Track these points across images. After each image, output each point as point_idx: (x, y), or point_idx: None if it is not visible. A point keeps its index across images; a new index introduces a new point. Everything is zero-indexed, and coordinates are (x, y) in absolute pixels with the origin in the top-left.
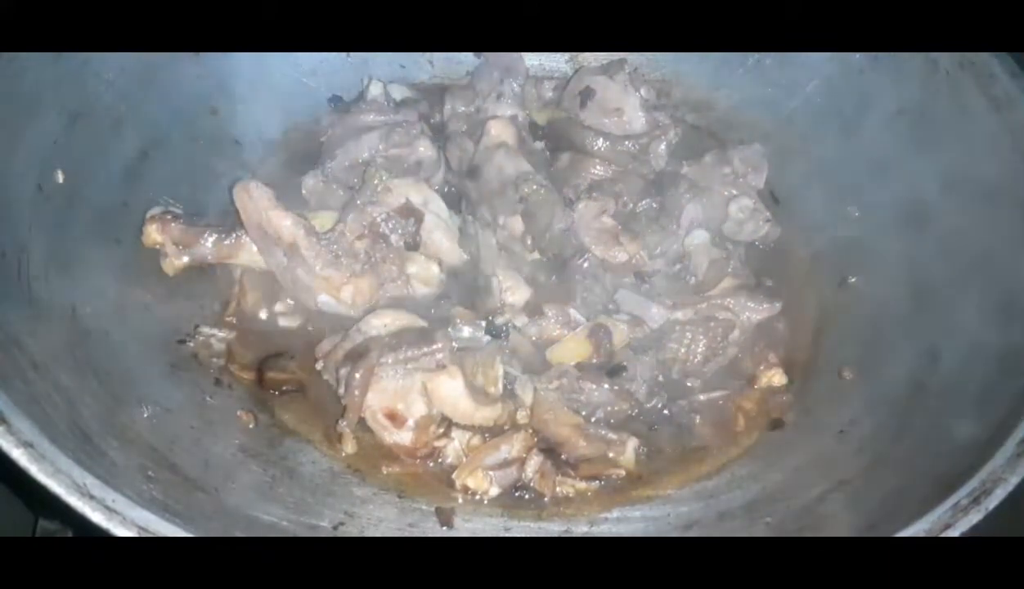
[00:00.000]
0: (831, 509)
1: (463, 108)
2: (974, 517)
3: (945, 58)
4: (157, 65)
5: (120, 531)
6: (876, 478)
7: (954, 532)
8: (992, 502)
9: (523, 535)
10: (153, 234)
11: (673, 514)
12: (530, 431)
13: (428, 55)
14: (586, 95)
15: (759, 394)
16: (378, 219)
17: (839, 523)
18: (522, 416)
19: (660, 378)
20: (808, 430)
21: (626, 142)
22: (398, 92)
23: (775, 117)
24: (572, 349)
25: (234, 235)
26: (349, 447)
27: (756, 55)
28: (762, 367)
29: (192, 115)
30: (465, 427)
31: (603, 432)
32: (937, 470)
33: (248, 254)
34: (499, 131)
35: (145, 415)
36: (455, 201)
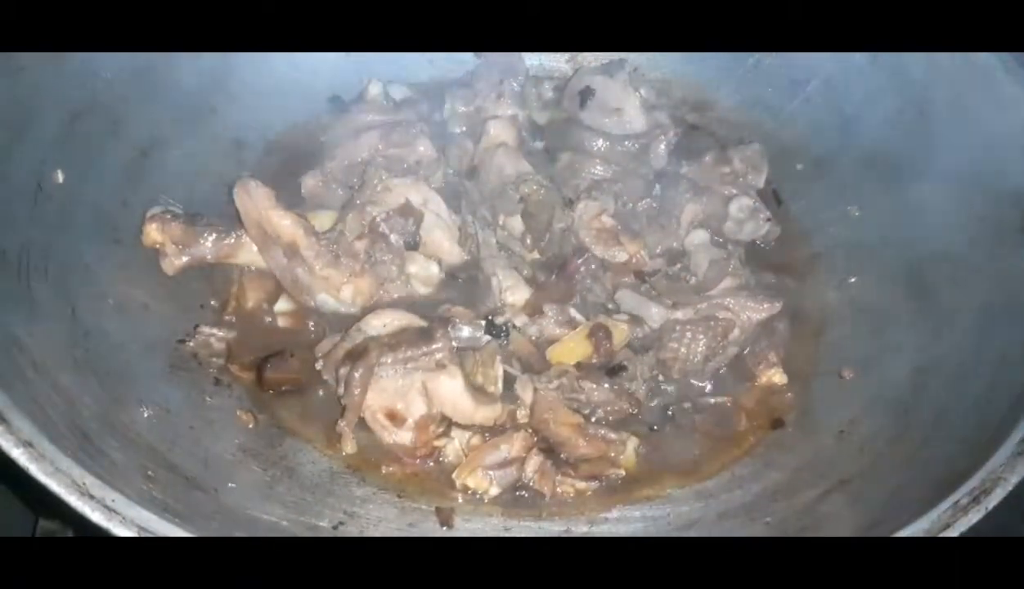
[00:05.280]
0: (831, 509)
1: (463, 108)
2: (974, 517)
3: (945, 58)
4: (157, 65)
5: (120, 531)
6: (876, 478)
7: (954, 532)
8: (992, 502)
9: (523, 535)
10: (153, 234)
11: (673, 514)
12: (530, 431)
13: (428, 55)
14: (586, 95)
15: (759, 394)
16: (378, 219)
17: (839, 523)
18: (522, 416)
19: (660, 378)
20: (808, 430)
21: (626, 142)
22: (398, 92)
23: (775, 117)
24: (572, 349)
25: (234, 235)
26: (349, 447)
27: (756, 55)
28: (762, 367)
29: (192, 115)
30: (465, 427)
31: (603, 432)
32: (937, 470)
33: (248, 254)
34: (499, 131)
35: (145, 415)
36: (455, 201)
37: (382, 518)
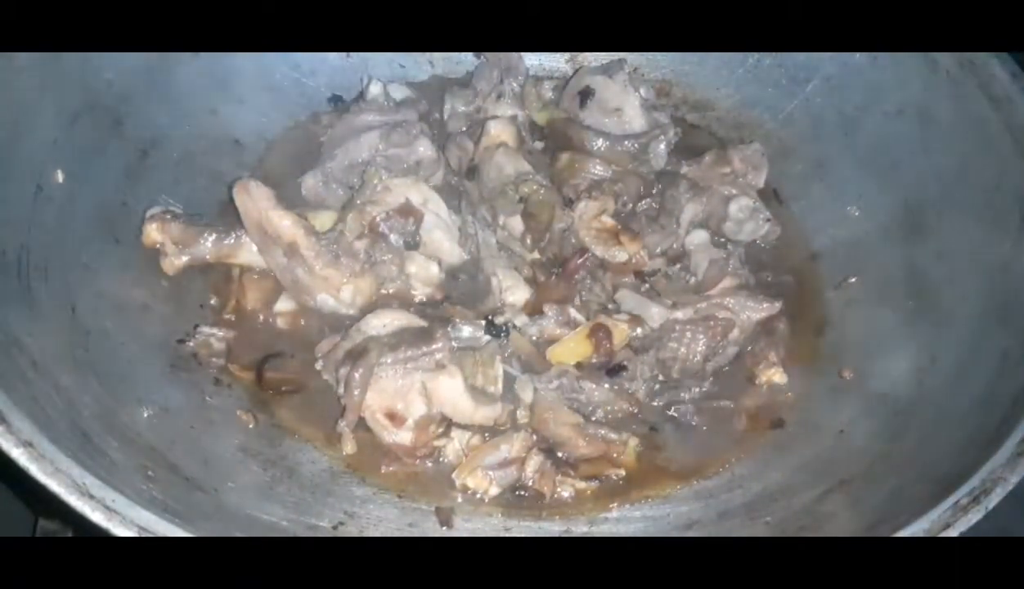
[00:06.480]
0: (831, 509)
1: (463, 108)
2: (974, 517)
3: (945, 58)
4: (157, 65)
5: (120, 531)
6: (876, 478)
7: (953, 532)
8: (992, 501)
9: (523, 535)
10: (153, 234)
11: (673, 514)
12: (530, 431)
13: (428, 55)
14: (586, 95)
15: (759, 394)
16: (378, 219)
17: (839, 523)
18: (522, 416)
19: (660, 378)
20: (808, 430)
21: (626, 142)
22: (398, 92)
23: (775, 117)
24: (572, 349)
25: (234, 235)
26: (349, 447)
27: (756, 55)
28: (762, 367)
29: (192, 115)
30: (465, 427)
31: (603, 432)
32: (937, 470)
33: (248, 254)
34: (499, 131)
35: (145, 415)
36: (455, 201)
37: (382, 518)
